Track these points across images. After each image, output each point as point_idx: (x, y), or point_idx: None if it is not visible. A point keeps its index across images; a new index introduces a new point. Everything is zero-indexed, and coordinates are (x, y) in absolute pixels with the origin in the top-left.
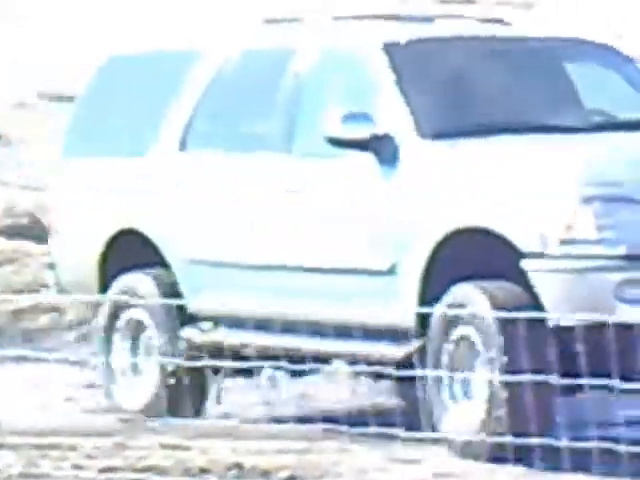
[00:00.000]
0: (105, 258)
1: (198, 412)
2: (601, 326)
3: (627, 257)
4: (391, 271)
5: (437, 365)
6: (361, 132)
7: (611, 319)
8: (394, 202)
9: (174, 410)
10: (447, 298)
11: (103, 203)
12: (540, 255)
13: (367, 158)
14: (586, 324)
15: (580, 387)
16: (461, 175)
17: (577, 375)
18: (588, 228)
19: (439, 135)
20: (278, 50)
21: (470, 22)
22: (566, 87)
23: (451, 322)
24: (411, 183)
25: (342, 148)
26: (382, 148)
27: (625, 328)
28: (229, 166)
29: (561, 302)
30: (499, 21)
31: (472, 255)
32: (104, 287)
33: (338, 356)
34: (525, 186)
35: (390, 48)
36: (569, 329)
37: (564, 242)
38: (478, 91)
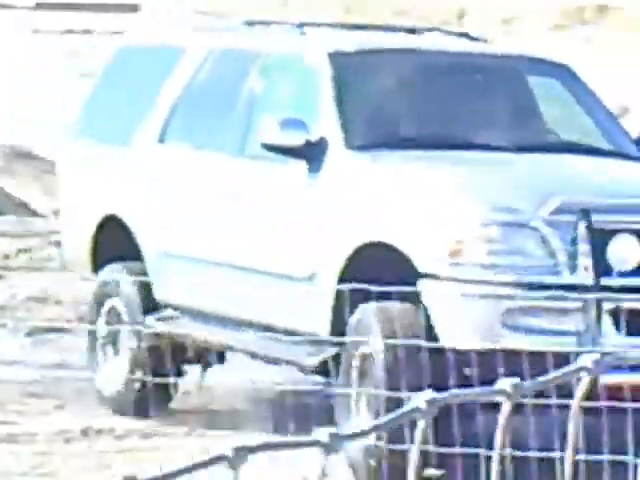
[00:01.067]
0: (96, 241)
1: (164, 405)
2: (491, 351)
3: (517, 284)
4: (311, 279)
5: (348, 374)
6: (294, 139)
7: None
8: (316, 211)
9: (139, 403)
10: (356, 314)
11: (95, 188)
12: (433, 276)
13: (300, 165)
14: (478, 349)
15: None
16: (374, 189)
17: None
18: (479, 253)
19: (364, 147)
20: (244, 52)
21: (431, 35)
22: (507, 105)
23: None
24: (332, 193)
25: (276, 154)
26: (313, 156)
27: (513, 354)
28: (195, 163)
29: (450, 325)
30: (465, 35)
31: (380, 271)
32: (96, 269)
33: (264, 357)
34: (426, 205)
35: (334, 57)
36: (462, 352)
37: (454, 265)
38: (413, 105)
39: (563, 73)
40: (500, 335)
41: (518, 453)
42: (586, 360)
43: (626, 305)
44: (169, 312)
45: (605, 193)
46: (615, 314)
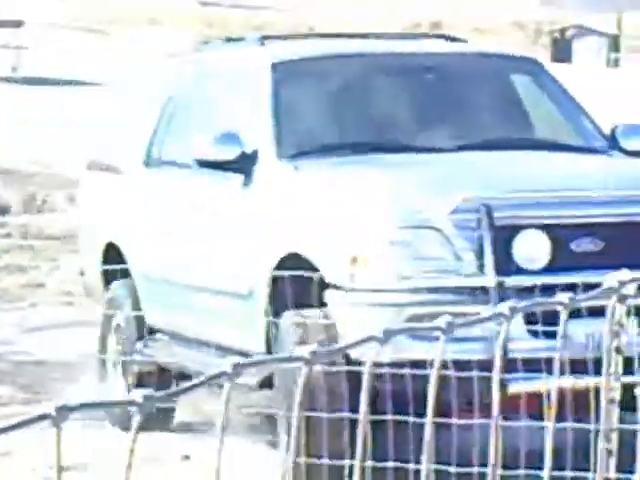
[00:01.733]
0: (105, 270)
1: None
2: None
3: (420, 290)
4: (250, 295)
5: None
6: (227, 153)
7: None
8: (248, 224)
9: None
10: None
11: (99, 216)
12: (336, 286)
13: (237, 178)
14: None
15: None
16: (293, 198)
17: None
18: (381, 259)
19: (294, 156)
20: (209, 70)
21: (405, 41)
22: (457, 104)
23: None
24: (260, 205)
25: (210, 169)
26: (247, 168)
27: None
28: (166, 184)
29: (353, 336)
30: (443, 37)
31: (300, 284)
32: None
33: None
34: (332, 213)
35: (277, 67)
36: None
37: (356, 274)
38: (348, 110)
39: (531, 68)
40: (404, 344)
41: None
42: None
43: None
44: (158, 337)
45: (513, 187)
46: (527, 316)
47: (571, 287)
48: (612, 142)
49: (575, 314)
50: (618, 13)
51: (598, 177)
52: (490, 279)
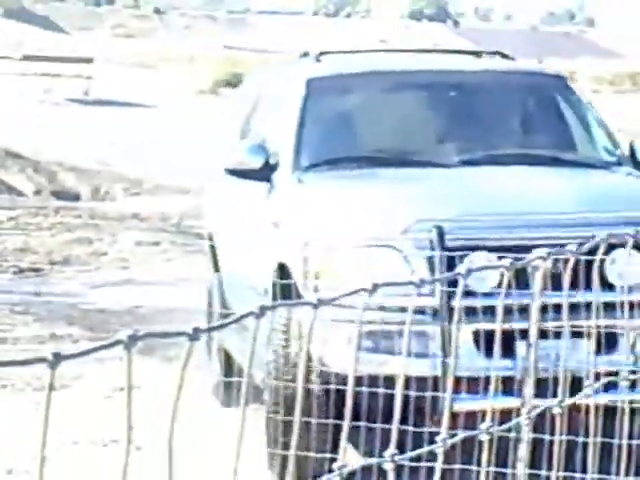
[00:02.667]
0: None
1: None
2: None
3: (376, 308)
4: (265, 294)
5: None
6: (252, 163)
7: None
8: (266, 230)
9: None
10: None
11: (208, 210)
12: (304, 300)
13: (263, 186)
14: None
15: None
16: (292, 211)
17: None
18: (343, 275)
19: (307, 167)
20: (278, 82)
21: (448, 56)
22: (476, 120)
23: None
24: (273, 212)
25: (238, 177)
26: (270, 177)
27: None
28: (231, 190)
29: (317, 349)
30: (498, 54)
31: (288, 293)
32: None
33: None
34: (308, 229)
35: (311, 83)
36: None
37: (320, 289)
38: (367, 124)
39: (555, 83)
40: (361, 359)
41: None
42: None
43: (486, 326)
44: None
45: (468, 209)
46: (476, 336)
47: (524, 309)
48: (630, 157)
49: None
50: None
51: (566, 198)
52: (438, 300)
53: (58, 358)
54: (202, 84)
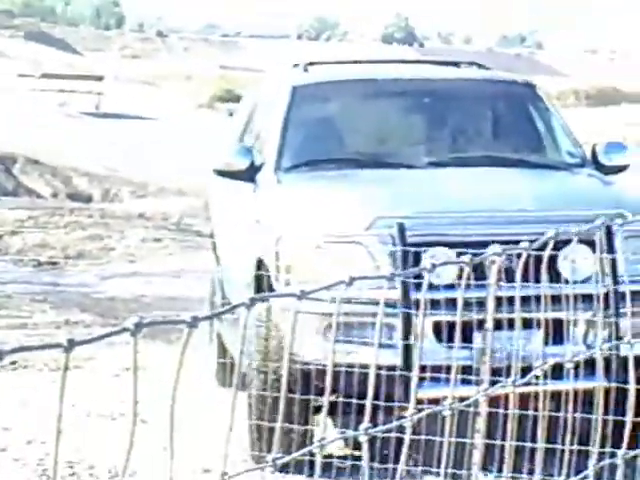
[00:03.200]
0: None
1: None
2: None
3: (342, 300)
4: (249, 287)
5: None
6: (238, 164)
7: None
8: (250, 229)
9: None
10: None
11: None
12: (276, 293)
13: (250, 186)
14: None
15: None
16: (269, 207)
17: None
18: (311, 269)
19: (287, 169)
20: (269, 90)
21: (421, 65)
22: (444, 125)
23: None
24: (256, 211)
25: (225, 177)
26: (255, 178)
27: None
28: (225, 189)
29: (292, 338)
30: (475, 64)
31: (266, 286)
32: None
33: None
34: (281, 226)
35: (296, 90)
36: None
37: (290, 282)
38: (345, 128)
39: (523, 90)
40: (328, 349)
41: None
42: None
43: (446, 318)
44: None
45: (428, 207)
46: (437, 327)
47: (481, 302)
48: (592, 159)
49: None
50: None
51: (524, 196)
52: (398, 293)
53: (72, 344)
54: (200, 99)
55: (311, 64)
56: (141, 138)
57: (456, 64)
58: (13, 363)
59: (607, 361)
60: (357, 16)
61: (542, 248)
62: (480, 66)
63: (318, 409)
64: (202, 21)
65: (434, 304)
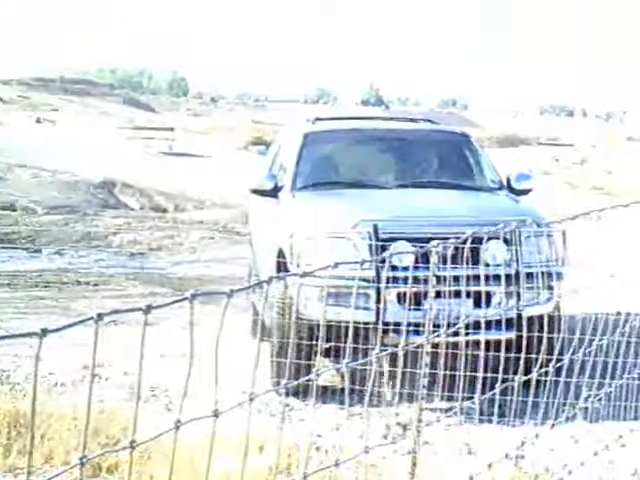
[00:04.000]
0: None
1: None
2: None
3: (334, 277)
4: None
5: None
6: (266, 185)
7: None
8: (274, 230)
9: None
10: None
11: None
12: (291, 273)
13: (275, 201)
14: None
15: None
16: (287, 213)
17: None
18: (314, 256)
19: (300, 188)
20: (291, 135)
21: (394, 121)
22: (411, 160)
23: None
24: (279, 217)
25: (259, 195)
26: (278, 195)
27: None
28: (260, 202)
29: (300, 304)
30: (429, 121)
31: (284, 268)
32: None
33: None
34: (298, 225)
35: (307, 135)
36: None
37: (299, 265)
38: (341, 161)
39: (460, 138)
40: (325, 310)
41: None
42: None
43: (404, 289)
44: None
45: (394, 213)
46: (399, 296)
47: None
48: (508, 184)
49: (436, 296)
50: None
51: (459, 208)
52: (373, 272)
53: (149, 308)
54: (239, 144)
55: (318, 119)
56: (200, 169)
57: (415, 120)
58: (113, 321)
59: (511, 320)
60: (343, 86)
61: (474, 242)
62: (431, 121)
63: (321, 352)
64: (240, 90)
65: (397, 280)
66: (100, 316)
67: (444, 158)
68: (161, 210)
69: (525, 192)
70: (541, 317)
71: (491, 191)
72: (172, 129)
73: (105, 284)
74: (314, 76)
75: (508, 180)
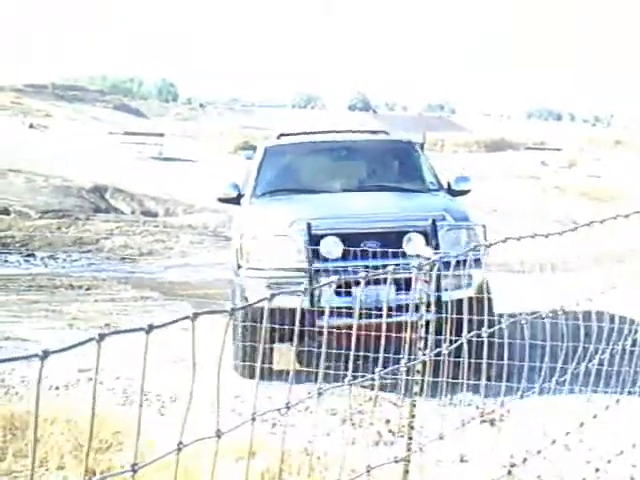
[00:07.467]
0: None
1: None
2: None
3: (277, 269)
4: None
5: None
6: (230, 194)
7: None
8: (235, 232)
9: None
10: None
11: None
12: (241, 268)
13: (238, 207)
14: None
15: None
16: (246, 219)
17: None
18: (259, 253)
19: (258, 196)
20: (260, 149)
21: (349, 133)
22: (362, 167)
23: None
24: (240, 220)
25: (224, 203)
26: (241, 202)
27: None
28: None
29: (248, 293)
30: (383, 132)
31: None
32: None
33: None
34: (244, 227)
35: (268, 149)
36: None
37: (247, 260)
38: (298, 170)
39: (407, 145)
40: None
41: None
42: None
43: (334, 278)
44: None
45: (325, 213)
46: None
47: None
48: (447, 187)
49: (365, 284)
50: (422, 132)
51: (390, 206)
52: (307, 264)
53: (151, 328)
54: (228, 148)
55: (282, 135)
56: (189, 174)
57: (374, 132)
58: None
59: (431, 303)
60: (331, 92)
61: (397, 236)
62: (385, 132)
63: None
64: (229, 96)
65: (328, 270)
66: (102, 336)
67: (388, 164)
68: (152, 214)
69: (464, 193)
70: (462, 300)
71: (429, 192)
72: (162, 134)
73: (97, 288)
74: (302, 82)
75: (449, 182)
